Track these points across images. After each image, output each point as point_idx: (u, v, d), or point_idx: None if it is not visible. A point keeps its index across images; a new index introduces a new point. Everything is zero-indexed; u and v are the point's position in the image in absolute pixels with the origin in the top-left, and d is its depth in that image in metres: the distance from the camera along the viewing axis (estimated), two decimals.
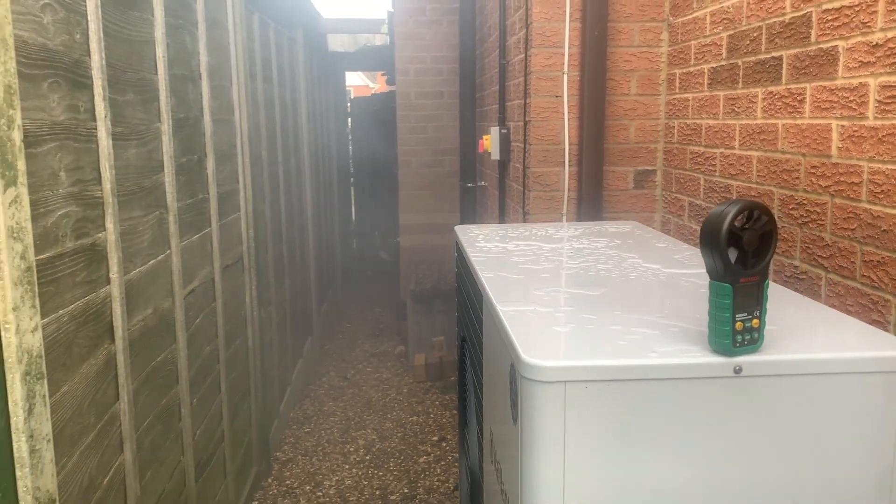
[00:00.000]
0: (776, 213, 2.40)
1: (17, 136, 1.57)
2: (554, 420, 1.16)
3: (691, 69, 3.08)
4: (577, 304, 1.49)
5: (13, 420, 1.58)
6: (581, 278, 1.72)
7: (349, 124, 10.58)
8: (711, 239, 1.14)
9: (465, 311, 2.12)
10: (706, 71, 2.93)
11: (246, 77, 3.98)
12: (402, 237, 7.01)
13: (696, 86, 3.03)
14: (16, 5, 1.67)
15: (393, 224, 7.76)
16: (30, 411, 1.61)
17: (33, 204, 1.74)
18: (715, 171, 2.85)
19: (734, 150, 2.69)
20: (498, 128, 4.03)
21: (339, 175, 9.34)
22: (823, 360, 1.21)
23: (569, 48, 3.34)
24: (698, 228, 2.98)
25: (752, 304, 1.18)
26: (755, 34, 2.52)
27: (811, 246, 2.21)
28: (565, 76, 3.36)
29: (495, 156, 4.06)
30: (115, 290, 2.24)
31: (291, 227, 5.59)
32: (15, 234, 1.56)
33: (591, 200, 3.39)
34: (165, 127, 2.76)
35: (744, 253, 1.16)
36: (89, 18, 2.10)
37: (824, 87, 2.13)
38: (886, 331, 1.88)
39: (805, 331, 1.38)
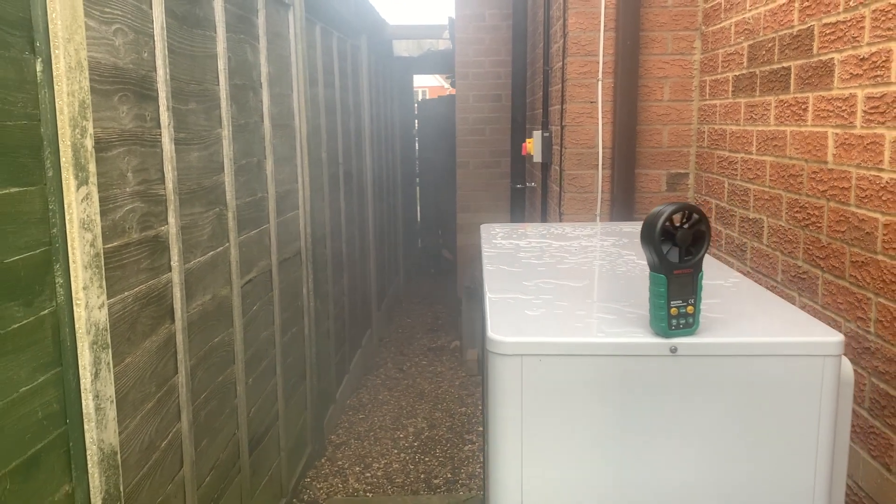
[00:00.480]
0: (784, 216, 2.52)
1: (89, 143, 1.87)
2: (513, 390, 1.36)
3: (719, 76, 3.20)
4: (557, 294, 1.68)
5: (82, 381, 1.88)
6: (572, 272, 1.90)
7: (416, 126, 10.89)
8: (648, 235, 1.32)
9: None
10: (730, 79, 3.05)
11: (306, 84, 4.29)
12: (459, 236, 7.24)
13: (722, 93, 3.15)
14: (91, 31, 1.98)
15: (455, 223, 8.00)
16: (96, 375, 1.92)
17: (103, 200, 2.04)
18: (736, 175, 2.97)
19: (752, 156, 2.81)
20: (540, 131, 4.21)
21: (404, 175, 9.64)
22: (750, 344, 1.36)
23: (603, 56, 3.50)
24: (722, 229, 3.11)
25: (687, 292, 1.35)
26: (770, 45, 2.64)
27: (811, 247, 2.33)
28: (599, 83, 3.52)
29: (537, 158, 4.24)
30: (176, 276, 2.55)
31: (351, 226, 5.89)
32: (86, 226, 1.86)
33: (624, 202, 3.54)
34: (226, 132, 3.07)
35: (678, 248, 1.33)
36: (155, 39, 2.41)
37: (823, 96, 2.25)
38: (867, 327, 2.00)
39: (748, 319, 1.53)
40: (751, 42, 2.82)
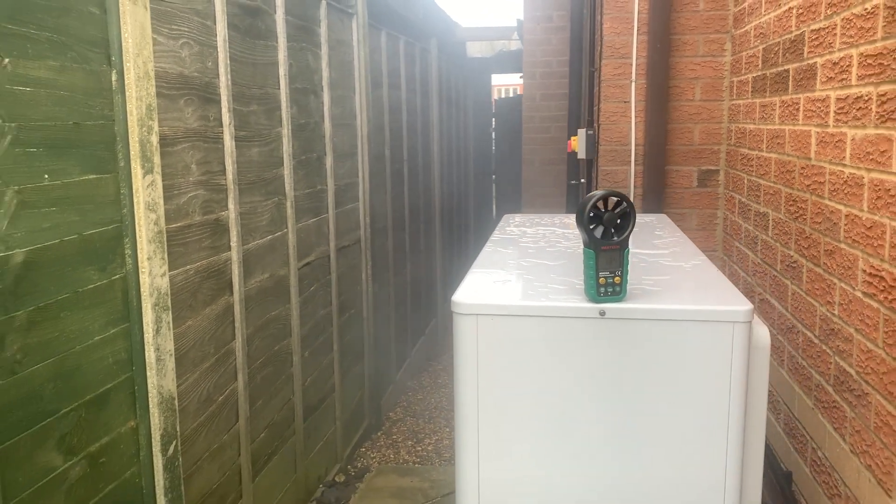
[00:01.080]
0: (783, 209, 2.69)
1: (154, 139, 2.27)
2: (471, 345, 1.64)
3: (742, 77, 3.36)
4: (530, 270, 1.94)
5: (145, 336, 2.29)
6: (556, 255, 2.15)
7: (493, 124, 11.18)
8: (579, 217, 1.57)
9: None
10: (750, 80, 3.22)
11: (367, 86, 4.66)
12: None
13: (744, 93, 3.32)
14: (159, 46, 2.38)
15: None
16: (157, 331, 2.32)
17: (168, 188, 2.44)
18: (752, 171, 3.14)
19: (763, 153, 2.98)
20: (585, 129, 4.43)
21: (479, 171, 9.94)
22: (668, 310, 1.59)
23: (636, 58, 3.71)
24: (741, 223, 3.28)
25: (615, 265, 1.59)
26: (776, 48, 2.81)
27: (799, 238, 2.50)
28: (633, 84, 3.73)
29: (581, 155, 4.46)
30: (234, 255, 2.95)
31: (416, 219, 6.25)
32: (150, 207, 2.26)
33: (654, 196, 3.74)
34: (286, 131, 3.46)
35: (606, 228, 1.58)
36: (218, 50, 2.81)
37: (809, 97, 2.42)
38: (833, 310, 2.18)
39: (681, 291, 1.76)
40: (764, 45, 2.99)
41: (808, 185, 2.41)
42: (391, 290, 5.44)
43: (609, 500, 1.65)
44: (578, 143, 4.48)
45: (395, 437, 4.93)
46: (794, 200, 2.56)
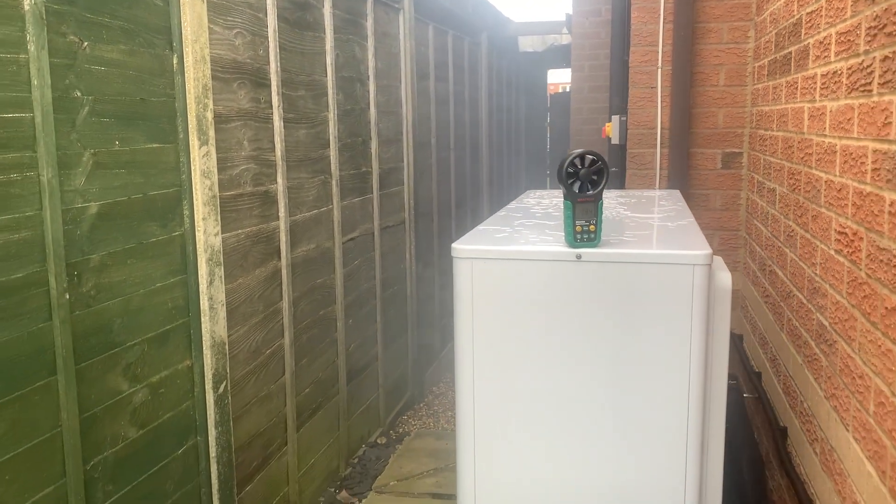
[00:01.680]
0: (785, 182, 2.86)
1: (209, 115, 2.61)
2: (467, 286, 1.90)
3: (761, 63, 3.52)
4: (530, 228, 2.18)
5: (200, 286, 2.63)
6: (557, 217, 2.39)
7: (548, 119, 11.38)
8: (559, 173, 1.81)
9: None
10: (766, 64, 3.38)
11: (413, 77, 4.95)
12: None
13: (762, 77, 3.48)
14: (215, 34, 2.72)
15: None
16: (210, 283, 2.66)
17: (222, 160, 2.78)
18: (766, 150, 3.30)
19: (773, 132, 3.14)
20: (619, 116, 4.63)
21: (531, 164, 10.15)
22: (636, 254, 1.81)
23: (662, 46, 3.90)
24: (759, 201, 3.45)
25: (590, 215, 1.82)
26: (784, 32, 2.98)
27: (795, 208, 2.67)
28: (659, 70, 3.92)
29: (615, 140, 4.65)
30: (282, 225, 3.28)
31: (462, 206, 6.52)
32: (205, 174, 2.60)
33: (679, 177, 3.92)
34: (332, 115, 3.79)
35: (582, 183, 1.81)
36: (269, 39, 3.14)
37: (804, 76, 2.59)
38: (815, 271, 2.36)
39: (654, 242, 1.97)
40: (776, 30, 3.15)
41: (802, 158, 2.59)
42: (435, 272, 5.73)
43: (582, 414, 1.89)
44: (612, 129, 4.68)
45: (435, 408, 5.22)
46: (792, 174, 2.74)
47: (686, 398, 1.84)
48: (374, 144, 4.37)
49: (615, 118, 4.66)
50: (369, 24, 4.27)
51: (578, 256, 1.85)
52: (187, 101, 2.52)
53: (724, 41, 3.83)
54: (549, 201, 2.85)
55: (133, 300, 2.34)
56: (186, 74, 2.51)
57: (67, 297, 2.05)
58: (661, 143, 3.96)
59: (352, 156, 4.09)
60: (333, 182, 3.84)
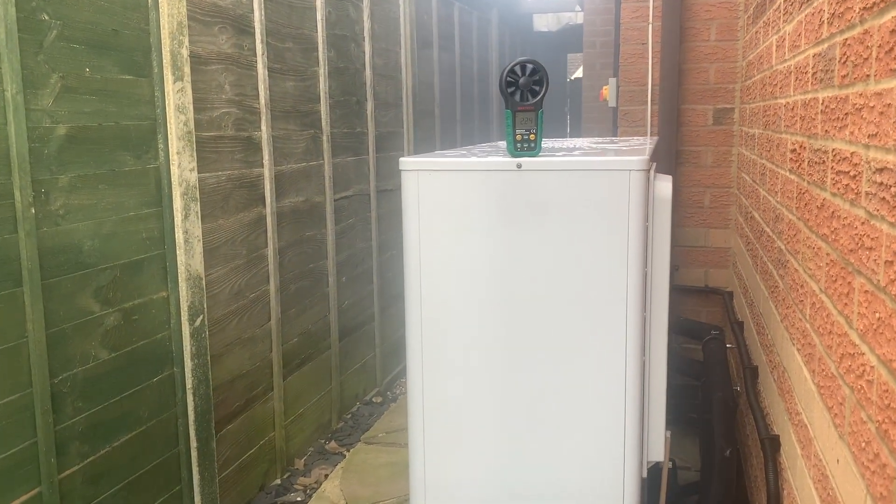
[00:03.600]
0: (761, 123, 2.84)
1: (185, 52, 2.68)
2: (413, 199, 1.93)
3: (750, 12, 3.49)
4: (486, 153, 2.22)
5: (175, 220, 2.70)
6: None
7: (568, 104, 11.34)
8: (500, 83, 1.84)
9: None
10: (752, 12, 3.35)
11: (413, 44, 4.99)
12: None
13: (749, 26, 3.45)
14: None
15: None
16: (185, 217, 2.72)
17: (201, 100, 2.85)
18: (750, 99, 3.28)
19: (755, 77, 3.12)
20: (615, 78, 4.62)
21: None
22: (575, 161, 1.82)
23: (653, 1, 3.88)
24: (747, 153, 3.43)
25: (530, 125, 1.84)
26: None
27: (767, 144, 2.66)
28: (650, 26, 3.91)
29: (612, 103, 4.65)
30: (266, 172, 3.34)
31: None
32: (180, 109, 2.67)
33: (670, 134, 3.90)
34: (322, 71, 3.84)
35: (522, 92, 1.83)
36: None
37: (774, 8, 2.58)
38: (776, 199, 2.35)
39: (596, 155, 1.99)
40: None
41: (770, 92, 2.57)
42: None
43: (524, 319, 1.91)
44: (609, 92, 4.67)
45: None
46: (765, 110, 2.72)
47: (624, 303, 1.86)
48: (369, 106, 4.42)
49: (612, 80, 4.66)
50: None
51: (519, 165, 1.87)
52: (161, 36, 2.59)
53: None
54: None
55: (105, 225, 2.42)
56: (161, 9, 2.58)
57: (33, 211, 2.13)
58: (651, 100, 3.95)
59: (345, 114, 4.14)
60: (324, 138, 3.89)
